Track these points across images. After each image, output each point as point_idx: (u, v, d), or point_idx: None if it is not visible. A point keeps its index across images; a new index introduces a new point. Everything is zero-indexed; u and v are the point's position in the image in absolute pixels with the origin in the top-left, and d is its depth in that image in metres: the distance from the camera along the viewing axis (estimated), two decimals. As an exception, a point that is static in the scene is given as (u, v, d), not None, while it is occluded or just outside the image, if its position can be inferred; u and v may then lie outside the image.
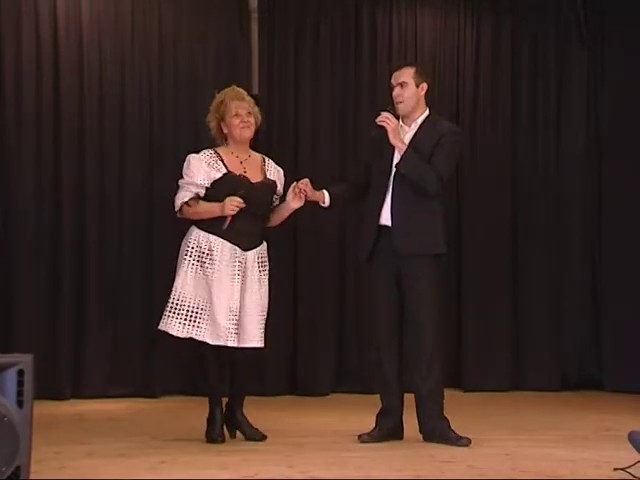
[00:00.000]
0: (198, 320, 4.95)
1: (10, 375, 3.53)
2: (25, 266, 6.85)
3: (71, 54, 6.99)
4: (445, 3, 7.87)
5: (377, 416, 5.19)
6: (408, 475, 4.23)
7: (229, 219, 4.95)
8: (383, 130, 5.05)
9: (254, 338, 4.99)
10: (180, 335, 4.95)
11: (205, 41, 7.34)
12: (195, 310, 4.96)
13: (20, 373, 3.55)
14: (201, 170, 5.03)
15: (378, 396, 5.24)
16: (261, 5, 7.49)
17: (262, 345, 5.04)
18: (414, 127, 5.14)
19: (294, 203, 5.15)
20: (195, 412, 5.19)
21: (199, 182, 5.03)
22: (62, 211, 6.94)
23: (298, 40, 7.54)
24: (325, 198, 5.21)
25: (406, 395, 5.17)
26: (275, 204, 5.22)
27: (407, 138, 5.11)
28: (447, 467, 4.41)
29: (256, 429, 5.08)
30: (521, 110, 7.95)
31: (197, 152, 5.12)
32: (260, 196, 5.06)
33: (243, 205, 4.93)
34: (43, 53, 6.93)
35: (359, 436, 5.11)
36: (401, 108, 5.13)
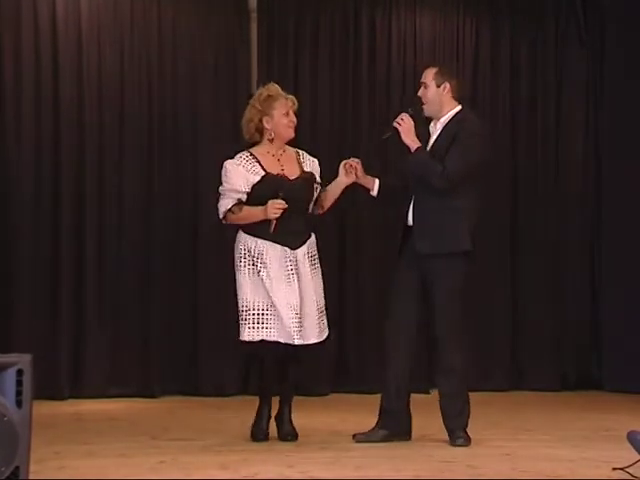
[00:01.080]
0: (266, 322, 4.94)
1: (9, 375, 3.53)
2: (24, 266, 6.85)
3: (70, 53, 6.99)
4: (444, 4, 7.86)
5: (378, 415, 5.17)
6: (407, 475, 4.23)
7: (274, 222, 4.95)
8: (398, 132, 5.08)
9: (312, 334, 5.01)
10: (252, 339, 4.93)
11: (204, 41, 7.34)
12: (261, 313, 4.95)
13: (19, 373, 3.54)
14: (240, 176, 5.01)
15: (378, 396, 5.23)
16: (260, 5, 7.49)
17: (321, 339, 5.05)
18: (439, 127, 5.14)
19: (347, 178, 5.17)
20: (194, 412, 5.20)
21: (239, 188, 5.01)
22: (61, 210, 6.94)
23: (297, 40, 7.54)
24: (375, 185, 5.22)
25: (413, 395, 5.18)
26: (317, 194, 5.19)
27: (433, 138, 5.12)
28: (446, 467, 4.41)
29: (293, 428, 5.09)
30: (520, 110, 7.95)
31: (231, 157, 5.10)
32: (301, 192, 5.06)
33: (285, 206, 4.93)
34: (42, 54, 6.93)
35: (354, 435, 5.11)
36: (425, 109, 5.17)
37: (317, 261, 5.14)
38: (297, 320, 4.94)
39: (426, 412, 5.26)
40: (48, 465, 4.29)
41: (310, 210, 5.19)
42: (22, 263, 6.85)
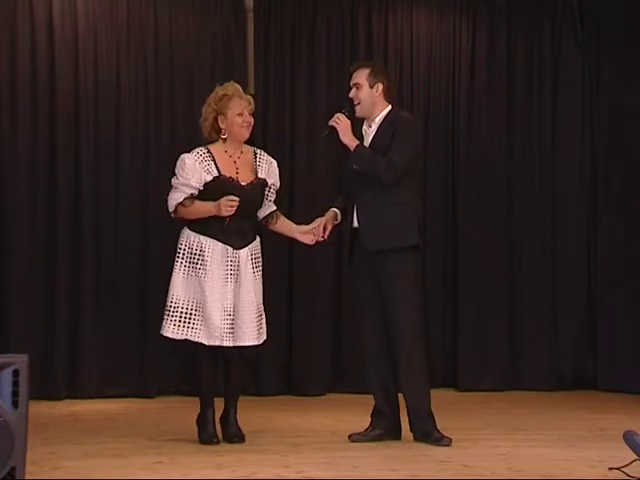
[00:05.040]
0: (193, 321, 4.96)
1: (6, 375, 3.54)
2: (21, 266, 6.84)
3: (66, 52, 6.98)
4: (441, 4, 7.86)
5: (371, 415, 5.19)
6: (403, 475, 4.23)
7: (227, 219, 4.95)
8: (336, 131, 5.12)
9: (250, 336, 4.99)
10: (175, 337, 4.96)
11: (201, 41, 7.33)
12: (189, 312, 4.98)
13: (15, 373, 3.55)
14: (195, 171, 5.02)
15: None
16: (257, 5, 7.50)
17: (259, 343, 5.03)
18: (374, 127, 5.19)
19: (304, 238, 5.22)
20: (191, 412, 5.19)
21: (194, 184, 5.02)
22: (57, 212, 6.93)
23: (294, 40, 7.54)
24: (338, 216, 5.24)
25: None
26: (267, 197, 5.19)
27: (369, 139, 5.17)
28: (442, 467, 4.41)
29: (239, 430, 5.07)
30: (517, 110, 7.95)
31: (189, 151, 5.11)
32: (249, 197, 5.05)
33: (238, 203, 4.90)
34: (38, 54, 6.92)
35: (349, 435, 5.13)
36: (358, 110, 5.21)
37: (260, 264, 5.11)
38: (229, 322, 4.93)
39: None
40: (44, 465, 4.30)
41: (259, 217, 5.20)
42: (18, 263, 6.84)
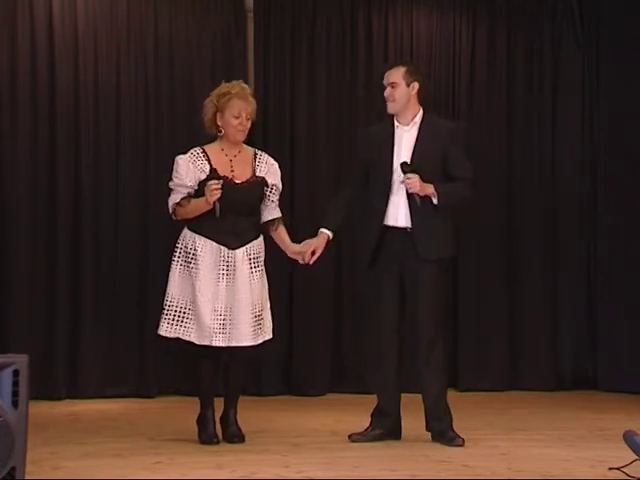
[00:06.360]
0: (185, 320, 4.97)
1: (6, 375, 3.54)
2: (21, 266, 6.84)
3: (66, 52, 6.98)
4: (441, 4, 7.86)
5: (372, 415, 5.20)
6: (403, 475, 4.24)
7: (217, 205, 4.90)
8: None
9: (245, 337, 4.98)
10: (168, 335, 4.97)
11: (201, 41, 7.33)
12: (182, 310, 4.99)
13: (15, 373, 3.55)
14: (189, 171, 5.04)
15: (374, 396, 5.24)
16: (257, 5, 7.50)
17: (255, 343, 5.01)
18: (414, 128, 5.16)
19: (294, 256, 5.18)
20: (191, 412, 5.19)
21: (189, 183, 5.04)
22: (57, 212, 6.93)
23: (294, 40, 7.54)
24: (329, 238, 5.19)
25: (404, 395, 5.19)
26: (269, 198, 5.17)
27: (406, 138, 5.13)
28: (442, 467, 4.42)
29: (239, 430, 5.07)
30: (517, 110, 7.95)
31: (185, 153, 5.12)
32: (245, 195, 5.04)
33: (219, 185, 4.86)
34: (38, 54, 6.92)
35: (349, 435, 5.13)
36: (391, 107, 5.18)
37: (260, 263, 5.08)
38: (220, 321, 4.93)
39: (421, 412, 5.26)
40: (44, 465, 4.30)
41: (262, 220, 5.17)
42: (18, 263, 6.83)
